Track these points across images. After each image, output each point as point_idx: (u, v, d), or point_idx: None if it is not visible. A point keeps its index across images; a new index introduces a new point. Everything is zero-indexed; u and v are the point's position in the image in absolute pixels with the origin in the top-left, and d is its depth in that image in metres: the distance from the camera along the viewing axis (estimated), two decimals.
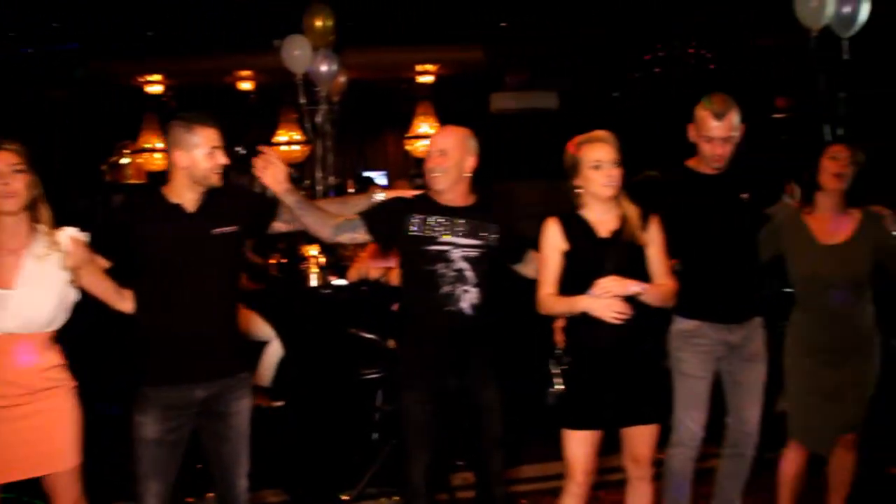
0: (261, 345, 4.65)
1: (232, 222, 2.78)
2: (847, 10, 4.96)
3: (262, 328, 4.58)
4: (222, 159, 2.73)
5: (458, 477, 4.00)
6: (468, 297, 2.98)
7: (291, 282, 5.31)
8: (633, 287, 2.80)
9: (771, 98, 9.76)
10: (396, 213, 3.07)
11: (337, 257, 5.22)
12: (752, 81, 9.01)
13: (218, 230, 2.74)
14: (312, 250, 5.05)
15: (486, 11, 7.53)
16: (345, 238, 3.09)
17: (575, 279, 2.88)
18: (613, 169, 2.84)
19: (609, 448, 3.00)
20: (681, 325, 3.30)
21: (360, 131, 10.20)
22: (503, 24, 7.75)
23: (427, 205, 3.06)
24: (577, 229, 2.91)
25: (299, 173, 10.03)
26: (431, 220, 3.01)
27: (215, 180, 2.74)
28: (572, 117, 8.87)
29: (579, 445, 2.91)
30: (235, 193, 2.92)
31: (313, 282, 4.80)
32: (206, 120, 2.72)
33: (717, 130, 3.15)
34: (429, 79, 9.62)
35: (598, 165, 2.84)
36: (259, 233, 3.13)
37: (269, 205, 2.98)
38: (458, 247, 2.98)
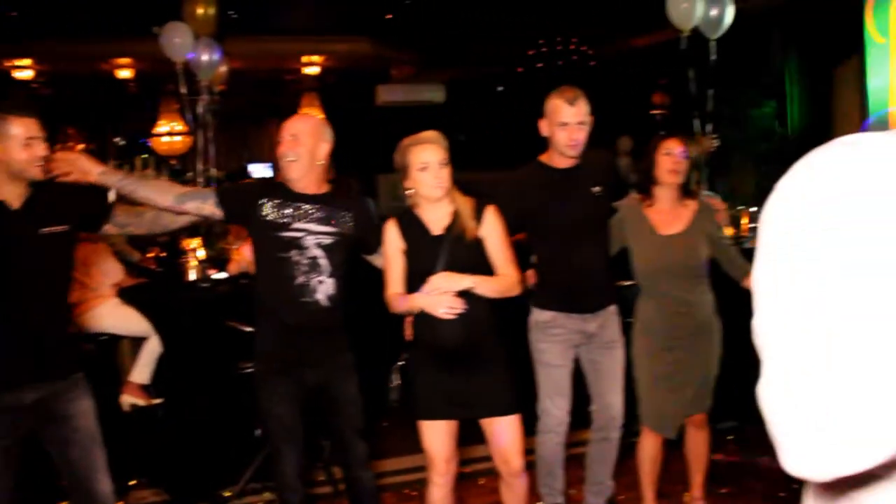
0: (139, 341, 4.53)
1: (62, 221, 2.70)
2: (714, 12, 5.23)
3: (139, 324, 4.45)
4: (41, 151, 2.61)
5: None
6: (323, 288, 2.98)
7: (170, 276, 5.18)
8: (463, 282, 2.85)
9: (649, 95, 10.14)
10: (250, 194, 3.04)
11: (217, 251, 5.12)
12: (632, 78, 9.34)
13: (46, 230, 2.65)
14: (192, 244, 4.94)
15: (373, 3, 7.52)
16: (190, 207, 3.02)
17: (413, 277, 2.93)
18: (441, 170, 2.90)
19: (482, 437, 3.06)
20: (538, 316, 3.41)
21: (245, 122, 10.03)
22: (389, 17, 7.75)
23: (281, 191, 3.04)
24: (412, 228, 2.97)
25: (181, 164, 9.78)
26: (285, 206, 2.99)
27: (34, 174, 2.63)
28: (458, 110, 8.99)
29: (433, 435, 2.96)
30: (66, 191, 2.81)
31: (192, 276, 4.70)
32: (23, 109, 2.60)
33: (570, 116, 3.24)
34: (315, 70, 9.54)
35: (425, 167, 2.89)
36: (92, 231, 3.03)
37: (102, 203, 2.91)
38: (312, 234, 2.97)
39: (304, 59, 9.39)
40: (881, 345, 0.74)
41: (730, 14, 5.23)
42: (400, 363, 3.01)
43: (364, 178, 7.44)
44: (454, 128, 7.93)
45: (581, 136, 3.27)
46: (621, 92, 8.65)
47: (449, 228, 2.94)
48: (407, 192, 2.98)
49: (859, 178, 0.80)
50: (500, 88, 9.16)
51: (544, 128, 3.32)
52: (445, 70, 9.25)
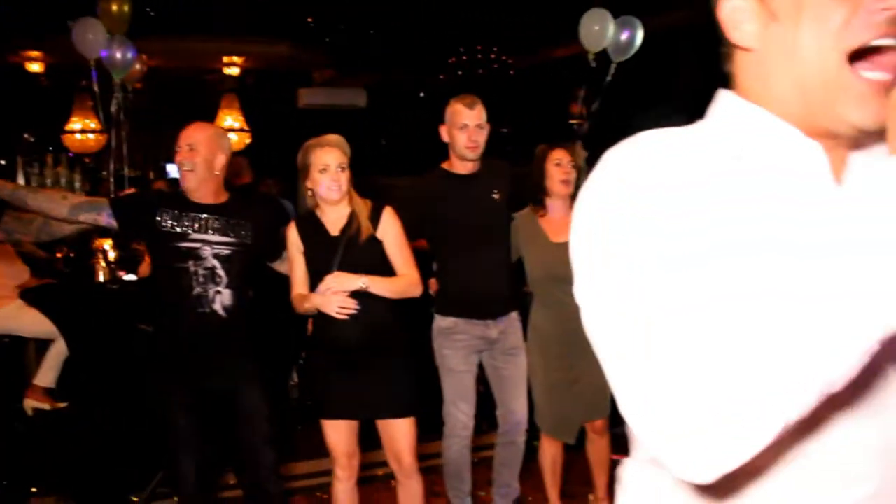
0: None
1: None
2: (625, 36, 5.36)
3: (43, 326, 4.35)
4: None
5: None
6: (220, 299, 2.98)
7: (79, 277, 5.06)
8: (355, 282, 2.91)
9: (566, 104, 10.33)
10: (146, 205, 3.04)
11: (128, 252, 5.03)
12: (551, 88, 9.50)
13: None
14: (105, 244, 4.85)
15: (294, 6, 7.49)
16: (84, 218, 3.01)
17: (313, 277, 2.99)
18: (339, 173, 2.96)
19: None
20: (440, 322, 3.48)
21: (162, 122, 9.84)
22: (310, 21, 7.73)
23: (178, 201, 3.03)
24: (311, 229, 3.02)
25: (94, 163, 9.52)
26: (182, 216, 2.98)
27: None
28: (380, 115, 9.01)
29: (335, 433, 3.02)
30: None
31: (101, 277, 4.61)
32: None
33: (470, 118, 3.36)
34: (235, 71, 9.43)
35: (324, 169, 2.95)
36: None
37: None
38: (210, 244, 2.98)
39: (225, 59, 9.27)
40: (697, 334, 0.74)
41: (639, 38, 5.38)
42: (300, 362, 3.05)
43: (285, 180, 7.41)
44: (376, 132, 7.96)
45: (480, 138, 3.38)
46: (540, 101, 8.81)
47: (345, 229, 2.99)
48: (307, 193, 3.02)
49: (670, 169, 0.82)
50: (421, 95, 9.22)
51: (444, 133, 3.43)
52: (368, 75, 9.26)
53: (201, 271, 2.96)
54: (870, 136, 0.88)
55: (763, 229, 0.80)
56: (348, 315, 2.89)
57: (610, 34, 5.25)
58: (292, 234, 3.04)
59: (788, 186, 0.86)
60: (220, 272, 2.98)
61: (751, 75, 0.93)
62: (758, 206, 0.82)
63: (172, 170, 10.26)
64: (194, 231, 2.97)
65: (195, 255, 2.96)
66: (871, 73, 0.84)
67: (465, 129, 3.36)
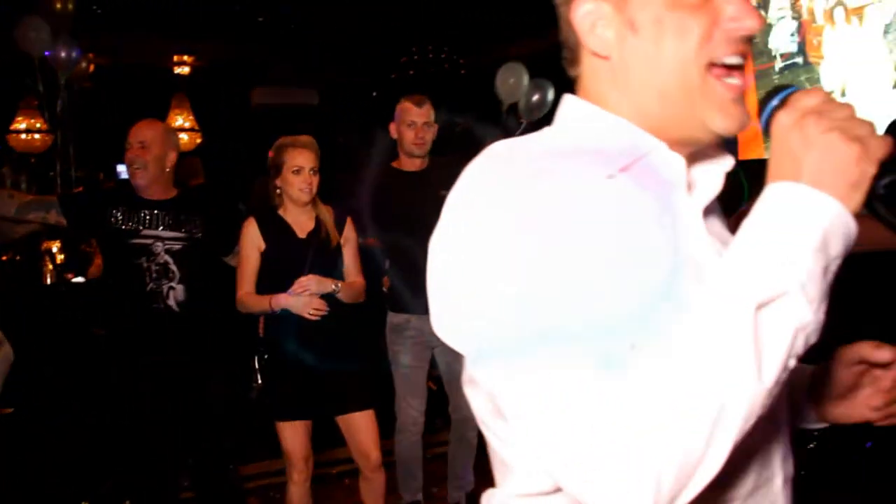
0: None
1: None
2: (536, 98, 5.37)
3: None
4: None
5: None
6: (174, 294, 2.99)
7: (25, 279, 4.97)
8: (329, 286, 2.96)
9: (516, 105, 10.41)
10: (97, 202, 3.04)
11: (77, 254, 4.96)
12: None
13: None
14: (53, 247, 4.78)
15: (246, 5, 7.43)
16: (33, 217, 3.00)
17: (274, 278, 2.99)
18: (312, 176, 2.99)
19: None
20: (393, 319, 3.53)
21: (112, 122, 9.68)
22: (261, 20, 7.68)
23: (128, 197, 3.04)
24: (276, 229, 3.03)
25: (40, 164, 9.32)
26: (133, 212, 2.99)
27: None
28: (333, 114, 8.99)
29: (292, 435, 3.03)
30: None
31: (48, 279, 4.54)
32: None
33: (418, 115, 3.44)
34: (185, 70, 9.32)
35: (298, 170, 2.97)
36: None
37: None
38: (161, 240, 2.99)
39: (175, 58, 9.16)
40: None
41: (550, 97, 5.36)
42: (259, 365, 3.04)
43: (238, 178, 7.35)
44: (328, 131, 7.94)
45: (428, 135, 3.46)
46: (492, 100, 8.86)
47: (313, 233, 3.00)
48: (276, 192, 3.02)
49: (541, 187, 0.80)
50: (374, 94, 9.22)
51: (393, 130, 3.48)
52: (321, 74, 9.22)
53: (154, 267, 2.96)
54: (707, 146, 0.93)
55: (640, 243, 0.80)
56: (319, 317, 2.92)
57: (523, 90, 5.31)
58: (252, 231, 3.02)
59: (657, 198, 0.87)
60: (173, 267, 2.98)
61: (605, 83, 0.92)
62: (634, 220, 0.82)
63: (123, 170, 10.11)
64: (145, 227, 2.96)
65: (147, 251, 2.96)
66: (729, 79, 0.88)
67: (413, 126, 3.42)
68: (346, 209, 3.15)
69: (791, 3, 5.64)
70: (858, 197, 0.77)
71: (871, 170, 0.77)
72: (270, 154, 3.03)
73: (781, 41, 5.72)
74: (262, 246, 3.01)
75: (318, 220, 3.05)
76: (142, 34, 8.01)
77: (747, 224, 0.79)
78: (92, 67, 6.59)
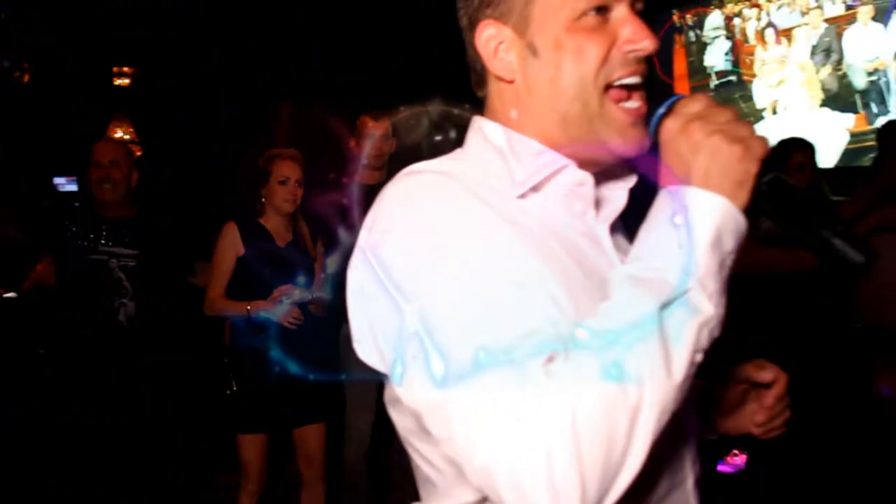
0: None
1: None
2: None
3: None
4: None
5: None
6: (125, 311, 3.01)
7: None
8: (308, 296, 3.00)
9: None
10: (53, 217, 3.03)
11: (8, 266, 4.83)
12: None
13: None
14: None
15: (184, 18, 7.35)
16: None
17: (251, 285, 3.00)
18: (297, 188, 3.05)
19: None
20: (347, 331, 3.52)
21: (51, 134, 9.47)
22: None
23: (86, 214, 3.05)
24: (256, 236, 3.05)
25: None
26: (90, 229, 3.00)
27: None
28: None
29: (254, 447, 3.03)
30: None
31: None
32: None
33: (376, 129, 3.50)
34: (125, 81, 9.17)
35: (284, 181, 3.02)
36: None
37: None
38: (117, 257, 2.98)
39: (115, 69, 9.02)
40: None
41: None
42: (230, 374, 3.04)
43: (209, 178, 7.27)
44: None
45: (384, 147, 3.53)
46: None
47: (292, 244, 3.08)
48: (260, 201, 3.07)
49: (464, 208, 0.84)
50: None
51: (353, 145, 3.54)
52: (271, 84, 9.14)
53: (107, 283, 2.94)
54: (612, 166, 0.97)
55: (545, 258, 0.83)
56: (295, 326, 2.96)
57: None
58: (233, 234, 3.04)
59: (569, 218, 0.92)
60: (126, 284, 2.98)
61: (511, 104, 0.95)
62: (539, 237, 0.86)
63: (60, 183, 9.89)
64: (104, 244, 2.95)
65: (102, 266, 2.94)
66: (628, 103, 0.92)
67: (372, 139, 3.48)
68: (315, 222, 3.18)
69: (725, 23, 5.84)
70: (745, 194, 0.82)
71: (754, 168, 0.82)
72: (259, 163, 3.08)
73: (716, 60, 5.93)
74: (241, 251, 3.03)
75: (296, 233, 3.11)
76: (80, 44, 7.87)
77: (644, 228, 0.84)
78: (27, 77, 6.45)
